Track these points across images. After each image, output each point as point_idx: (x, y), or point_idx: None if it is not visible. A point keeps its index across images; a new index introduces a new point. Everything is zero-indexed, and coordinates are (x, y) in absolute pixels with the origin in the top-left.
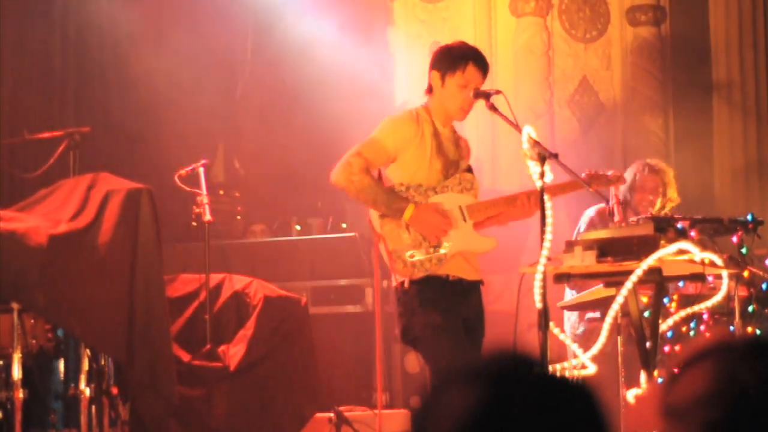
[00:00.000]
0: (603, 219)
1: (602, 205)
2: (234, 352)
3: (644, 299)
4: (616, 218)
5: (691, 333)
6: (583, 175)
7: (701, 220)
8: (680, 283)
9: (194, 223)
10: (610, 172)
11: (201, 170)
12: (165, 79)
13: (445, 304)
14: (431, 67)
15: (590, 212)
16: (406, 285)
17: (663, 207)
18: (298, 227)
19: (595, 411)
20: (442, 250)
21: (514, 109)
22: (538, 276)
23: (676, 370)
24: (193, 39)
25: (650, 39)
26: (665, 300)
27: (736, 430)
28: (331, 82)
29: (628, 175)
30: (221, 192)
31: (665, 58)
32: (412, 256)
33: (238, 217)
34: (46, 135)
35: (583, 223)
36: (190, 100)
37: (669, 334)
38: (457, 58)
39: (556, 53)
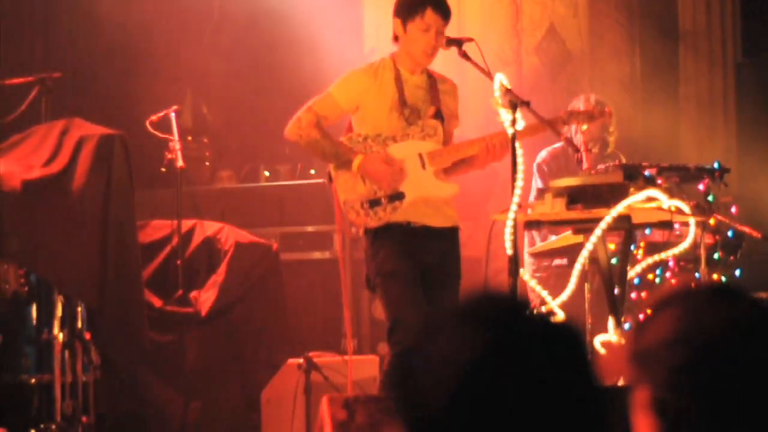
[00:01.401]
0: (556, 160)
1: (556, 146)
2: (205, 298)
3: (611, 246)
4: (585, 166)
5: (657, 280)
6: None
7: (668, 167)
8: (647, 231)
9: (164, 169)
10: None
11: (173, 116)
12: (133, 24)
13: (400, 251)
14: (394, 15)
15: (543, 154)
16: (362, 234)
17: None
18: (266, 173)
19: (584, 350)
20: (396, 198)
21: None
22: (509, 223)
23: (642, 317)
24: None
25: None
26: (632, 247)
27: (700, 373)
28: (300, 29)
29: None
30: (189, 138)
31: (632, 6)
32: (365, 206)
33: (207, 163)
34: (17, 80)
35: (536, 165)
36: (158, 46)
37: (636, 281)
38: (415, 4)
39: (523, 1)
